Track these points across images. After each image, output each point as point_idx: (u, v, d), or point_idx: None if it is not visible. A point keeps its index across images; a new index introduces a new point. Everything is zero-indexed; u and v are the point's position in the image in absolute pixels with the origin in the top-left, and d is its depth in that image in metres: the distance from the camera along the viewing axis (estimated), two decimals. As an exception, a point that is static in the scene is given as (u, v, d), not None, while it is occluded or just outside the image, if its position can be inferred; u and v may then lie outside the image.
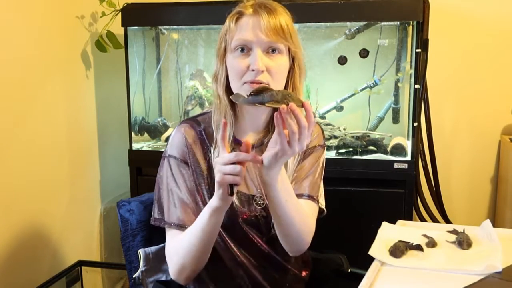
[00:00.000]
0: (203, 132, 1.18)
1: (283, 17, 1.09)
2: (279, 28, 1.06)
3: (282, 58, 1.10)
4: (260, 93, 0.93)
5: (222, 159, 0.96)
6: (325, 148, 1.27)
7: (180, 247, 1.10)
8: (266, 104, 0.92)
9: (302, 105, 0.93)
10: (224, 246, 1.17)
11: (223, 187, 0.97)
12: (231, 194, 0.97)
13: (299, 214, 1.11)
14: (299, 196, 1.15)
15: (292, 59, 1.13)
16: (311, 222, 1.16)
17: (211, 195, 1.05)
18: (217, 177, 0.96)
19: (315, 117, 1.11)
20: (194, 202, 1.15)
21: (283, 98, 0.92)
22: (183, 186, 1.14)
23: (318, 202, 1.20)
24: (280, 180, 1.03)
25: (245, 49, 1.08)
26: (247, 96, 0.94)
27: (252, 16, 1.07)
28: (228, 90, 1.13)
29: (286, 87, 1.14)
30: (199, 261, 1.10)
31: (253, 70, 1.06)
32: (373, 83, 1.99)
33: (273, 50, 1.08)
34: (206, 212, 1.04)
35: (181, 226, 1.12)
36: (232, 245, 1.17)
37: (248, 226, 1.16)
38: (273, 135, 0.99)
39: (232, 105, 1.14)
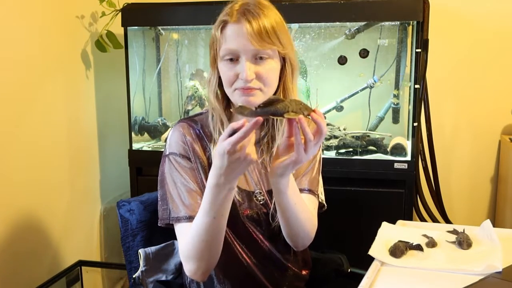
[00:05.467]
0: (200, 130, 1.18)
1: (269, 20, 1.06)
2: (264, 34, 1.04)
3: (271, 62, 1.09)
4: (269, 105, 0.91)
5: (231, 144, 0.89)
6: (321, 145, 1.27)
7: (193, 240, 1.05)
8: (285, 116, 0.91)
9: (313, 111, 0.94)
10: (225, 242, 1.16)
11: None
12: None
13: (306, 213, 1.12)
14: (300, 191, 1.16)
15: (283, 59, 1.13)
16: (314, 218, 1.18)
17: None
18: (246, 162, 0.91)
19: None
20: (201, 191, 1.13)
21: (297, 108, 0.92)
22: (188, 177, 1.14)
23: (318, 196, 1.21)
24: (290, 185, 1.04)
25: (233, 58, 1.08)
26: (255, 108, 0.91)
27: (236, 24, 1.06)
28: (222, 94, 1.14)
29: (278, 88, 1.14)
30: (213, 251, 1.06)
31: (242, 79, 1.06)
32: (373, 83, 1.99)
33: (261, 58, 1.07)
34: (218, 195, 0.99)
35: (191, 218, 1.09)
36: (234, 242, 1.17)
37: (250, 223, 1.17)
38: (281, 144, 1.00)
39: (227, 106, 1.15)
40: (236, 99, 1.09)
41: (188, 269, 1.09)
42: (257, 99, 1.07)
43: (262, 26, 1.04)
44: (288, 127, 0.96)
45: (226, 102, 1.15)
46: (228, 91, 1.11)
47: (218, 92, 1.15)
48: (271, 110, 0.91)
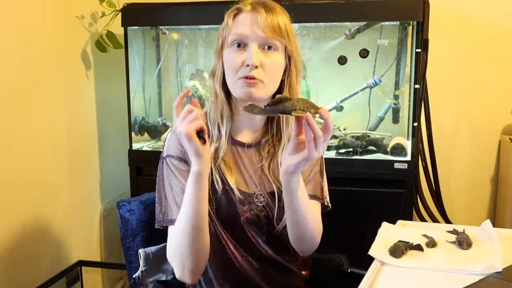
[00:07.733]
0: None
1: (281, 17, 1.10)
2: (276, 26, 1.08)
3: (277, 55, 1.11)
4: (277, 103, 0.94)
5: (179, 116, 0.98)
6: None
7: (176, 236, 1.07)
8: (293, 114, 0.94)
9: (320, 108, 0.96)
10: (222, 245, 1.16)
11: (193, 139, 0.97)
12: (204, 141, 0.99)
13: (313, 216, 1.13)
14: None
15: (289, 59, 1.14)
16: (320, 222, 1.18)
17: (210, 192, 1.04)
18: (181, 129, 0.96)
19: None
20: None
21: (304, 106, 0.94)
22: (184, 180, 1.13)
23: (324, 200, 1.21)
24: (300, 184, 1.05)
25: (241, 45, 1.09)
26: (264, 106, 0.95)
27: (250, 12, 1.09)
28: (225, 86, 1.14)
29: (282, 86, 1.15)
30: (195, 250, 1.06)
31: (247, 65, 1.07)
32: (373, 83, 1.99)
33: (269, 47, 1.09)
34: (189, 181, 1.03)
35: None
36: (230, 245, 1.17)
37: (249, 225, 1.17)
38: (289, 144, 1.01)
39: (229, 101, 1.16)
40: (238, 90, 1.10)
41: (176, 269, 1.10)
42: (258, 92, 1.08)
43: (275, 19, 1.08)
44: (297, 125, 0.98)
45: (226, 94, 1.15)
46: (231, 80, 1.11)
47: (222, 83, 1.15)
48: (279, 108, 0.94)
